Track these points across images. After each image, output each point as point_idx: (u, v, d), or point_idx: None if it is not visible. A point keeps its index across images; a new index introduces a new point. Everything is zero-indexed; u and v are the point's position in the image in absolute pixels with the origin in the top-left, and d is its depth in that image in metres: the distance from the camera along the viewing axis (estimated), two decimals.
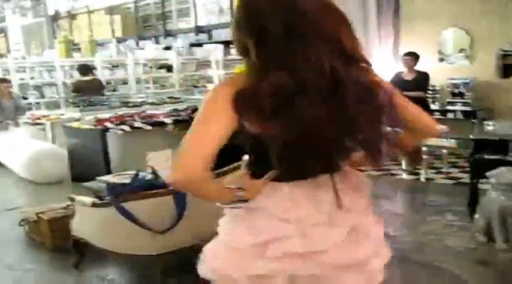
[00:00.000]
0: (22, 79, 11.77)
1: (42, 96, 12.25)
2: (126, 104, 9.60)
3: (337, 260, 1.73)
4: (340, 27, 1.63)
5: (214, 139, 1.60)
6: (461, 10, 8.74)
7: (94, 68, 11.56)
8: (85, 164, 7.30)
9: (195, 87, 14.84)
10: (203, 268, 1.83)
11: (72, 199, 4.08)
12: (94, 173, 6.67)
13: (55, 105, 11.95)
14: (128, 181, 4.01)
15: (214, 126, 1.61)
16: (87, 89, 10.33)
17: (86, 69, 10.80)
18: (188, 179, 1.62)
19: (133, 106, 9.39)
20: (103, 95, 10.82)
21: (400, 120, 1.73)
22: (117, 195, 3.39)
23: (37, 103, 11.88)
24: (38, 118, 8.95)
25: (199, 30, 13.82)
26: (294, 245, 1.69)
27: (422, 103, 7.62)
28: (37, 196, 7.11)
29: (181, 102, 10.41)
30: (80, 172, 7.40)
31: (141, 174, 3.73)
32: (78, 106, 9.41)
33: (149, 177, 3.69)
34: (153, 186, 3.54)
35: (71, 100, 10.65)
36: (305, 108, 1.54)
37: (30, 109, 10.58)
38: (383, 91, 1.65)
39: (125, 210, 3.42)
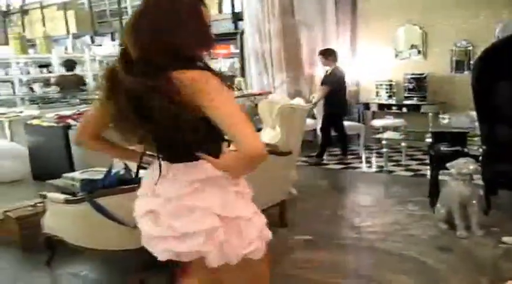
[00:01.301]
0: None
1: None
2: (85, 101, 9.51)
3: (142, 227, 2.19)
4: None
5: None
6: (415, 7, 8.99)
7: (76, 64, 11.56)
8: (47, 162, 7.22)
9: None
10: None
11: (44, 196, 4.06)
12: (56, 170, 6.59)
13: (10, 103, 11.74)
14: (97, 177, 4.02)
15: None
16: (69, 84, 10.40)
17: (71, 64, 10.90)
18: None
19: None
20: (83, 91, 10.82)
21: None
22: (91, 191, 3.40)
23: None
24: None
25: None
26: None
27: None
28: (3, 194, 7.02)
29: None
30: (42, 170, 7.32)
31: (113, 171, 3.73)
32: (37, 104, 9.27)
33: (122, 172, 3.70)
34: (126, 182, 3.54)
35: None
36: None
37: None
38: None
39: (100, 206, 3.44)
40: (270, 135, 5.57)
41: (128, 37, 1.98)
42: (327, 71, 8.41)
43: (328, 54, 8.39)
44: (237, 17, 11.25)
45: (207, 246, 2.04)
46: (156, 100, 1.87)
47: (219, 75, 2.00)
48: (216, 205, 2.06)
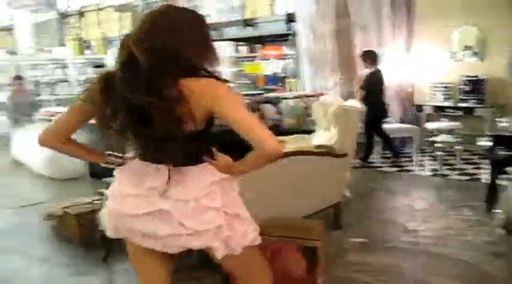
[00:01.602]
0: (35, 76, 11.83)
1: (54, 93, 12.35)
2: None
3: (135, 226, 2.25)
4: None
5: None
6: (474, 9, 8.81)
7: None
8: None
9: None
10: None
11: (101, 194, 4.15)
12: (112, 169, 6.77)
13: (68, 102, 12.04)
14: None
15: None
16: None
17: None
18: None
19: None
20: None
21: None
22: None
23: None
24: (53, 115, 9.01)
25: (213, 28, 13.87)
26: (114, 203, 2.30)
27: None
28: (57, 192, 7.23)
29: None
30: (98, 168, 7.46)
31: None
32: None
33: None
34: None
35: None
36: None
37: (42, 106, 10.67)
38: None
39: None
40: (324, 136, 5.55)
41: (139, 45, 2.05)
42: (366, 75, 8.34)
43: (366, 57, 8.31)
44: (289, 18, 11.24)
45: (216, 242, 2.25)
46: (160, 113, 2.03)
47: (224, 81, 2.17)
48: (224, 205, 2.26)
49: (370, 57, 8.28)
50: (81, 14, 17.88)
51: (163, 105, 2.01)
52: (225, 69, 13.95)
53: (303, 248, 3.65)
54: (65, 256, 4.86)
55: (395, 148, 8.63)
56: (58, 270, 4.52)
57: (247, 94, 9.55)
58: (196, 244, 2.23)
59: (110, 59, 12.91)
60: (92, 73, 12.86)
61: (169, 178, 2.18)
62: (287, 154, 4.29)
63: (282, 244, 3.66)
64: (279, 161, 4.19)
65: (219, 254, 2.28)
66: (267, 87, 13.07)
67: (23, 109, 9.33)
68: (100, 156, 2.49)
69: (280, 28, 11.60)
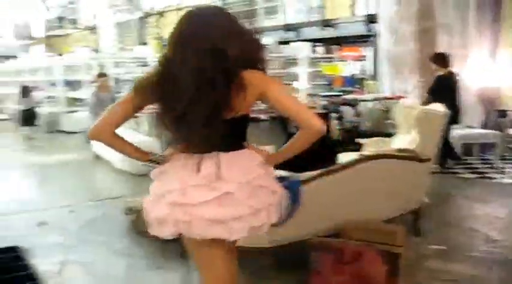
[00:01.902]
0: (117, 74, 12.21)
1: None
2: None
3: (203, 213, 2.29)
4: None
5: None
6: None
7: None
8: None
9: None
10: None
11: None
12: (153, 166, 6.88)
13: None
14: None
15: None
16: None
17: None
18: None
19: None
20: None
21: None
22: None
23: None
24: None
25: (287, 28, 13.91)
26: (174, 196, 2.32)
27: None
28: (136, 187, 7.38)
29: None
30: None
31: None
32: None
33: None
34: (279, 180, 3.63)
35: None
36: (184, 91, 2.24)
37: None
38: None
39: None
40: (404, 140, 5.46)
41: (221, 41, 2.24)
42: (435, 78, 8.09)
43: (435, 59, 8.04)
44: (370, 19, 11.12)
45: (267, 219, 2.49)
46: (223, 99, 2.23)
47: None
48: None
49: (439, 59, 8.03)
50: (161, 14, 18.30)
51: (229, 93, 2.22)
52: (301, 70, 13.96)
53: (384, 253, 3.61)
54: (144, 249, 4.96)
55: (454, 154, 8.33)
56: (137, 263, 4.64)
57: (325, 96, 9.55)
58: (256, 223, 2.41)
59: None
60: None
61: (218, 165, 2.33)
62: (370, 157, 4.25)
63: (363, 247, 3.63)
64: (362, 164, 4.18)
65: (266, 229, 2.54)
66: (343, 88, 12.98)
67: (105, 105, 9.58)
68: (144, 154, 2.55)
69: (360, 29, 11.49)
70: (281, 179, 3.85)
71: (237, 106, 2.26)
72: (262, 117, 7.28)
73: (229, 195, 2.31)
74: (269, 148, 5.44)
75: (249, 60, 2.32)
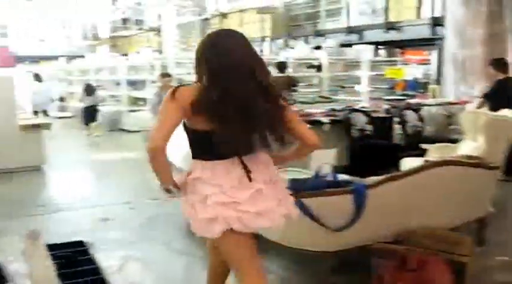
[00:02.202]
0: (179, 74, 12.31)
1: None
2: (293, 102, 9.79)
3: (248, 208, 2.64)
4: (255, 64, 2.65)
5: None
6: None
7: (287, 66, 12.06)
8: None
9: (342, 87, 14.85)
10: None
11: None
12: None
13: None
14: (301, 177, 4.10)
15: None
16: (280, 85, 10.88)
17: (282, 66, 11.67)
18: None
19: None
20: (294, 92, 11.24)
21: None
22: (299, 190, 3.48)
23: None
24: None
25: (350, 30, 13.79)
26: (219, 197, 2.65)
27: None
28: None
29: (331, 101, 10.50)
30: None
31: (321, 173, 3.81)
32: None
33: (330, 175, 3.76)
34: (333, 185, 3.60)
35: None
36: (222, 111, 2.56)
37: None
38: (280, 107, 2.69)
39: (304, 205, 3.50)
40: (471, 146, 5.30)
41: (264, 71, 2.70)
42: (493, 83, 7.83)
43: (495, 65, 7.79)
44: (435, 22, 10.87)
45: (290, 206, 2.91)
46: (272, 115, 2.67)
47: None
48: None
49: (500, 65, 7.78)
50: (224, 15, 18.47)
51: (278, 110, 2.67)
52: (363, 73, 13.81)
53: (450, 262, 3.50)
54: (203, 250, 4.90)
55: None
56: (196, 263, 4.62)
57: (388, 100, 9.39)
58: (284, 211, 2.83)
59: None
60: None
61: (245, 165, 2.67)
62: (437, 164, 4.13)
63: (428, 255, 3.54)
64: (428, 170, 4.07)
65: (295, 216, 2.96)
66: (405, 92, 12.76)
67: None
68: (171, 181, 2.83)
69: (425, 32, 11.25)
70: (347, 183, 3.82)
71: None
72: (324, 119, 7.20)
73: (260, 191, 2.69)
74: (331, 152, 5.41)
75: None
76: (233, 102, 2.56)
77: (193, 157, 2.79)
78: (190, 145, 2.82)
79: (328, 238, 3.68)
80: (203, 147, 2.72)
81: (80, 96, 15.47)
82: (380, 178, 3.83)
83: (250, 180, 2.66)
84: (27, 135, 8.47)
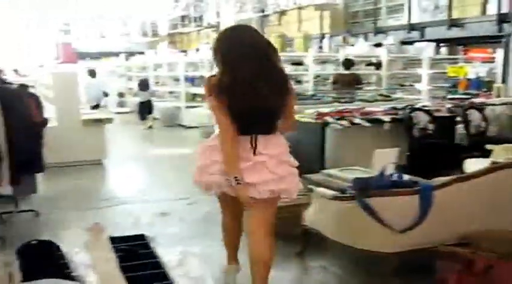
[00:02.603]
0: None
1: None
2: (338, 100, 9.68)
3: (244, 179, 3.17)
4: (267, 49, 3.22)
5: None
6: None
7: (354, 63, 12.03)
8: (297, 156, 7.40)
9: (402, 85, 14.58)
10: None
11: (310, 190, 4.18)
12: (305, 166, 6.80)
13: None
14: (361, 176, 4.03)
15: None
16: (344, 82, 10.85)
17: (349, 64, 11.63)
18: None
19: (345, 102, 9.45)
20: (359, 89, 11.18)
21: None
22: (363, 189, 3.41)
23: None
24: None
25: (411, 27, 13.50)
26: (220, 167, 3.27)
27: None
28: None
29: (391, 100, 10.32)
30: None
31: (387, 173, 3.73)
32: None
33: (395, 175, 3.67)
34: (399, 184, 3.52)
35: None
36: (238, 93, 3.10)
37: None
38: (289, 90, 3.29)
39: (368, 206, 3.43)
40: None
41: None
42: None
43: None
44: (502, 19, 10.50)
45: (290, 185, 3.36)
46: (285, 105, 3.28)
47: None
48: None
49: None
50: (282, 12, 18.42)
51: (282, 97, 3.23)
52: (424, 71, 13.53)
53: None
54: None
55: None
56: None
57: (450, 98, 9.14)
58: (282, 186, 3.29)
59: (310, 57, 13.06)
60: (290, 70, 13.17)
61: (255, 142, 3.21)
62: (506, 166, 3.98)
63: (495, 259, 3.41)
64: (497, 172, 3.92)
65: (294, 194, 3.47)
66: (468, 91, 12.39)
67: None
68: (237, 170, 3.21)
69: (490, 29, 10.88)
70: (413, 183, 3.72)
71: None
72: (385, 118, 7.07)
73: (260, 164, 3.21)
74: (394, 151, 5.29)
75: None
76: (241, 86, 3.10)
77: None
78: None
79: (391, 239, 3.60)
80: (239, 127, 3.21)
81: (135, 92, 15.82)
82: (447, 179, 3.71)
83: (254, 153, 3.21)
84: (89, 130, 8.65)
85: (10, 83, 5.69)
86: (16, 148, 4.73)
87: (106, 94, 15.70)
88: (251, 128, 3.19)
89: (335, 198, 3.80)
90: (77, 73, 9.61)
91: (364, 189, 3.46)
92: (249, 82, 3.09)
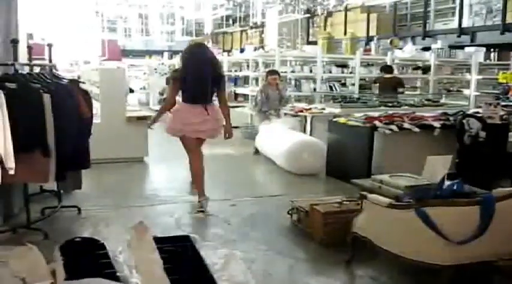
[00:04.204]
0: (283, 72, 12.21)
1: (299, 89, 12.70)
2: (385, 103, 9.48)
3: (197, 127, 5.85)
4: (212, 62, 5.89)
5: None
6: None
7: (393, 70, 11.95)
8: (343, 160, 7.32)
9: (448, 91, 14.26)
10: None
11: (364, 197, 4.02)
12: (352, 170, 6.66)
13: (310, 99, 12.34)
14: (412, 183, 3.86)
15: None
16: (386, 86, 10.71)
17: (389, 68, 11.59)
18: None
19: (392, 106, 9.25)
20: (401, 93, 11.01)
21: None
22: (421, 198, 3.25)
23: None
24: (301, 111, 9.21)
25: (462, 31, 13.17)
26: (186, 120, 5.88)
27: None
28: (296, 186, 7.34)
29: (440, 105, 10.08)
30: (336, 168, 7.45)
31: (447, 182, 3.54)
32: (339, 102, 9.49)
33: (454, 184, 3.49)
34: (460, 195, 3.33)
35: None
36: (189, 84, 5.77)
37: (287, 101, 10.93)
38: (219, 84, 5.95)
39: (426, 215, 3.26)
40: None
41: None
42: None
43: None
44: None
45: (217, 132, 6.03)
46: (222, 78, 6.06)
47: None
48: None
49: None
50: (329, 14, 18.24)
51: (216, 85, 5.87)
52: (473, 77, 13.19)
53: None
54: (305, 252, 4.81)
55: None
56: (297, 265, 4.49)
57: (504, 106, 8.79)
58: (215, 133, 5.97)
59: (358, 60, 12.83)
60: (336, 72, 13.00)
61: (206, 108, 5.76)
62: None
63: None
64: None
65: (215, 136, 6.06)
66: None
67: (272, 102, 9.58)
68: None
69: None
70: (472, 194, 3.53)
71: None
72: (436, 124, 6.86)
73: (208, 120, 5.79)
74: (447, 158, 5.07)
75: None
76: (194, 79, 5.71)
77: (182, 101, 5.95)
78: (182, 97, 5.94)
79: (448, 251, 3.42)
80: (187, 98, 5.86)
81: (162, 89, 16.07)
82: (509, 190, 3.51)
83: (208, 114, 5.78)
84: (133, 127, 8.62)
85: (62, 78, 5.66)
86: (64, 143, 4.69)
87: (131, 91, 15.88)
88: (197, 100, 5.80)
89: (391, 206, 3.63)
90: (124, 70, 9.60)
91: (423, 198, 3.29)
92: (199, 79, 5.73)
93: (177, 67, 7.06)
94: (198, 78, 5.66)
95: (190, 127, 5.75)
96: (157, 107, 17.98)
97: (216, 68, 5.84)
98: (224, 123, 5.88)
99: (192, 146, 5.91)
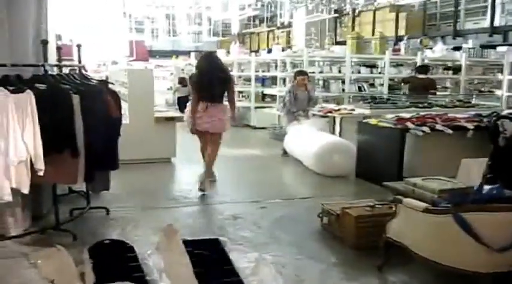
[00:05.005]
0: (311, 73, 12.11)
1: (327, 90, 12.60)
2: (415, 104, 9.32)
3: (205, 120, 6.81)
4: (221, 68, 7.03)
5: None
6: None
7: (429, 69, 11.80)
8: (373, 162, 7.20)
9: (480, 91, 14.02)
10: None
11: (399, 201, 3.91)
12: (382, 172, 6.55)
13: (338, 99, 12.22)
14: (448, 186, 3.75)
15: None
16: (419, 87, 10.59)
17: (425, 69, 11.39)
18: None
19: (423, 107, 9.09)
20: (433, 94, 10.89)
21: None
22: (459, 203, 3.14)
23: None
24: (330, 112, 9.11)
25: (494, 31, 12.92)
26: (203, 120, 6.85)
27: None
28: (325, 188, 7.27)
29: (472, 106, 9.90)
30: (366, 169, 7.34)
31: (486, 187, 3.42)
32: (369, 103, 9.36)
33: (494, 189, 3.36)
34: (498, 199, 3.21)
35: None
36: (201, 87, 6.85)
37: (315, 102, 10.82)
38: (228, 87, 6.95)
39: (464, 221, 3.15)
40: None
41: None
42: None
43: None
44: None
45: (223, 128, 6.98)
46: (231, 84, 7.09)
47: None
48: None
49: None
50: (357, 13, 18.09)
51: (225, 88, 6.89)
52: (504, 77, 12.95)
53: None
54: (336, 256, 4.70)
55: None
56: (328, 270, 4.40)
57: None
58: (222, 129, 6.91)
59: (387, 60, 12.69)
60: (364, 72, 12.86)
61: (207, 106, 6.72)
62: None
63: None
64: None
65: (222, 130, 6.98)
66: None
67: (301, 103, 9.49)
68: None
69: None
70: (507, 200, 3.40)
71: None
72: (469, 125, 6.71)
73: (215, 120, 6.71)
74: (479, 162, 4.93)
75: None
76: (205, 84, 6.66)
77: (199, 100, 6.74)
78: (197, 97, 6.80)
79: (486, 258, 3.31)
80: (200, 97, 6.71)
81: (176, 87, 16.79)
82: None
83: (207, 109, 6.69)
84: (161, 128, 8.62)
85: (91, 79, 5.65)
86: (93, 144, 4.67)
87: None
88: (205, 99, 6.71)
89: (427, 211, 3.51)
90: (152, 70, 9.59)
91: (461, 203, 3.18)
92: (210, 84, 6.66)
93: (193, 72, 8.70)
94: (208, 81, 6.70)
95: (201, 120, 6.76)
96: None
97: (224, 72, 7.03)
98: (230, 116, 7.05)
99: (203, 139, 7.13)
